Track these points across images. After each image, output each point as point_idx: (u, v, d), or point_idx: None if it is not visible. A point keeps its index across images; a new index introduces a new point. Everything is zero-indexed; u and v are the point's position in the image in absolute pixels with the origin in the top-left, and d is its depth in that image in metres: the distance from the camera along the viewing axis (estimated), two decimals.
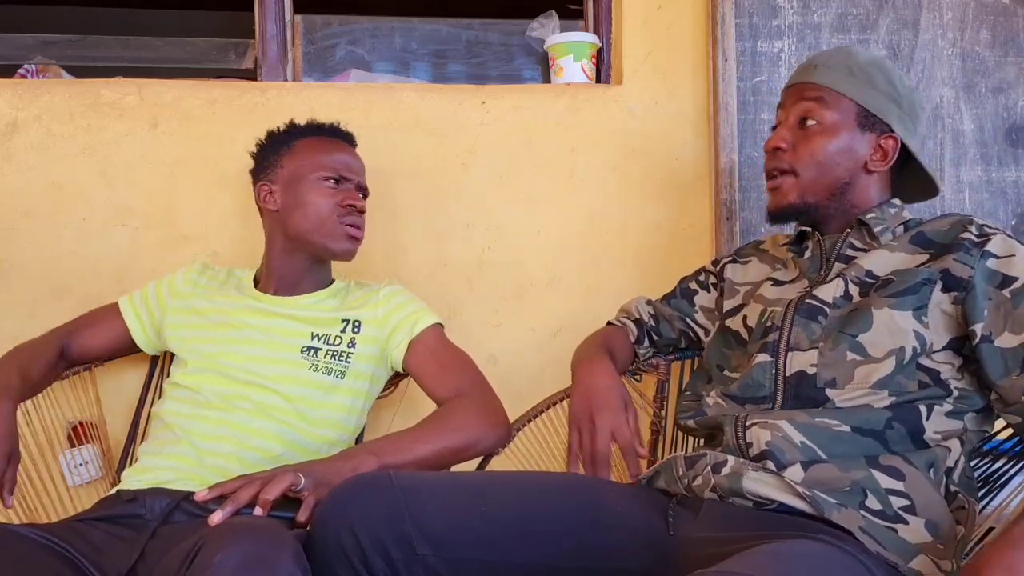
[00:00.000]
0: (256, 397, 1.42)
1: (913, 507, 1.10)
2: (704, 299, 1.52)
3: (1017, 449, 1.27)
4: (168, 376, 1.56)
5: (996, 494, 1.26)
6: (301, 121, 1.60)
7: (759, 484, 1.12)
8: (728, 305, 1.42)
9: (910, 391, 1.14)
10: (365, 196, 1.59)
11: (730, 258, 1.50)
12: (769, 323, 1.28)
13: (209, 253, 1.78)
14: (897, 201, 1.32)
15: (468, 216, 1.86)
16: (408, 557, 1.04)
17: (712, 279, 1.52)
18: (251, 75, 1.92)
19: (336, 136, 1.60)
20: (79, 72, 1.92)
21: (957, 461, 1.16)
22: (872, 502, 1.09)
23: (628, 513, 1.17)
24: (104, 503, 1.37)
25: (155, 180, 1.78)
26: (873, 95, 1.30)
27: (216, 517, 1.13)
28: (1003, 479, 1.26)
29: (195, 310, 1.54)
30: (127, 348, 1.61)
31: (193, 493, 1.32)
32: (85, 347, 1.57)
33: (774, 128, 1.37)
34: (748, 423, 1.18)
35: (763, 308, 1.32)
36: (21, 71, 1.87)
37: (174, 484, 1.35)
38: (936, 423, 1.14)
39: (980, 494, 1.25)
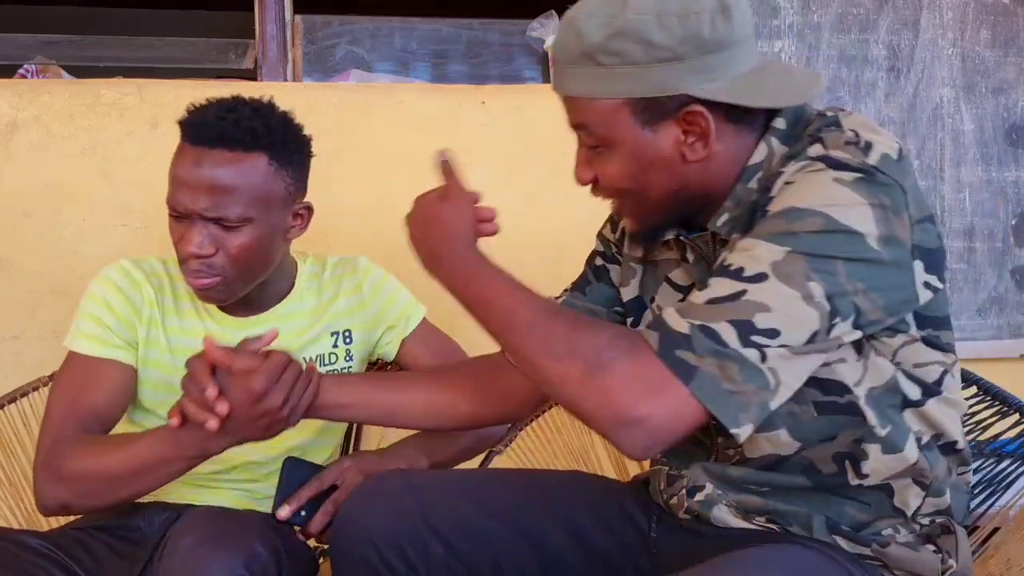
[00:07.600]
0: (254, 473, 1.31)
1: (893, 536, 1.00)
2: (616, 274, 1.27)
3: (1022, 451, 1.27)
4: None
5: (1000, 495, 1.25)
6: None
7: (728, 515, 1.05)
8: (627, 295, 1.20)
9: None
10: (228, 226, 1.18)
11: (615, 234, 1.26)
12: None
13: None
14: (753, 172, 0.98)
15: None
16: (424, 556, 1.06)
17: (612, 248, 1.27)
18: (251, 75, 1.92)
19: (195, 140, 1.21)
20: (79, 72, 1.92)
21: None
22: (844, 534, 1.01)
23: (625, 513, 1.16)
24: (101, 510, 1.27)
25: (155, 180, 1.75)
26: (635, 75, 0.94)
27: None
28: (1006, 480, 1.26)
29: (162, 344, 1.27)
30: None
31: (192, 506, 1.27)
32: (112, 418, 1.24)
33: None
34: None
35: None
36: (21, 71, 1.87)
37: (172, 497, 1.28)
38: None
39: (984, 496, 1.25)
